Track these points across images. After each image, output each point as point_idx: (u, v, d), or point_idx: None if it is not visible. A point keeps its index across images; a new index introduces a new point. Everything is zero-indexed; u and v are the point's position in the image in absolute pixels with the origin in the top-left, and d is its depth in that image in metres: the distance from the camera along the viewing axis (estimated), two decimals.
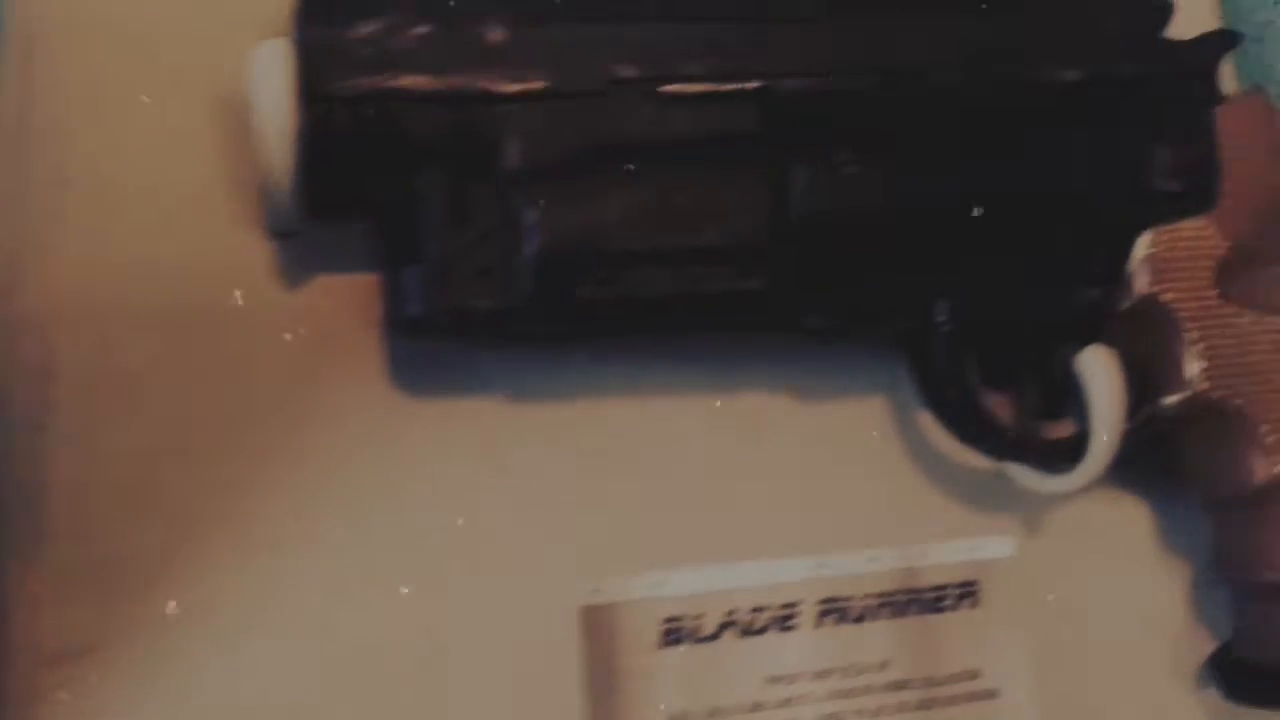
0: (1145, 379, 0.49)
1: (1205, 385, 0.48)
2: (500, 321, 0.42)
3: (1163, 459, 0.52)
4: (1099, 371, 0.47)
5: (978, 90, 0.46)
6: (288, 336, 0.45)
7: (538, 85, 0.43)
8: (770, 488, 0.50)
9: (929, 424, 0.51)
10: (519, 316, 0.42)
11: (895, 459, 0.52)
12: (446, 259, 0.42)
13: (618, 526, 0.48)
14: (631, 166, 0.43)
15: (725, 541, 0.49)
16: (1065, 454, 0.49)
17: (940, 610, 0.51)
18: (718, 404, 0.50)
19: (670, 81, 0.44)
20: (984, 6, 0.46)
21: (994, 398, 0.53)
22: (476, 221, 0.43)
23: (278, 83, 0.41)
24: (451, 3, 0.42)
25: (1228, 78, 0.54)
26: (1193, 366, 0.48)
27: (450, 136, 0.42)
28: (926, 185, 0.45)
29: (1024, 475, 0.51)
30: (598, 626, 0.47)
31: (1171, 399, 0.48)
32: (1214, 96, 0.49)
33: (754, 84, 0.44)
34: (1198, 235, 0.47)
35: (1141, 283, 0.47)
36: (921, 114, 0.45)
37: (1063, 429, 0.52)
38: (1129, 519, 0.54)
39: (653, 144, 0.43)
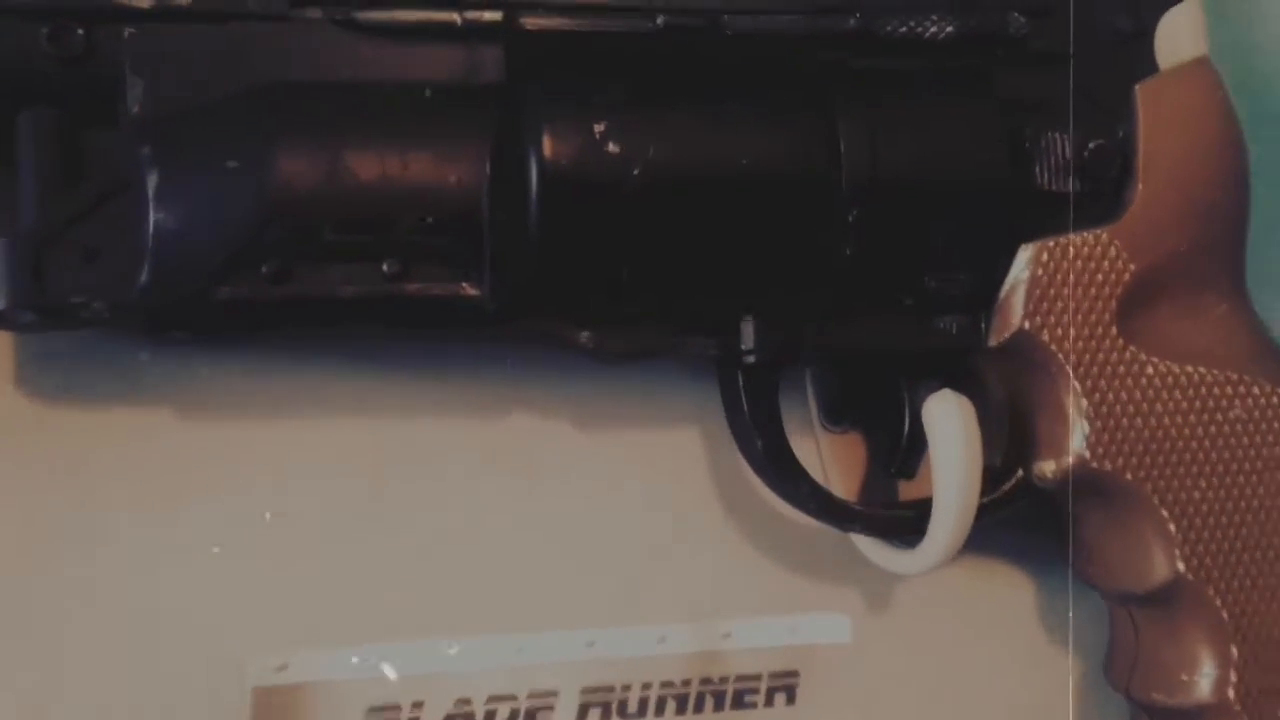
0: (1021, 435, 0.38)
1: (1092, 455, 0.37)
2: (116, 321, 0.32)
3: (1051, 523, 0.41)
4: (946, 426, 0.36)
5: (799, 45, 0.35)
6: None
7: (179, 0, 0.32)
8: (530, 539, 0.40)
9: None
10: (141, 317, 0.32)
11: (702, 509, 0.42)
12: (42, 234, 0.31)
13: (314, 584, 0.38)
14: (309, 120, 0.32)
15: (461, 608, 0.39)
16: (908, 525, 0.38)
17: (744, 707, 0.41)
18: (466, 428, 0.39)
19: (375, 4, 0.33)
20: None
21: (841, 439, 0.42)
22: (90, 183, 0.32)
23: None
24: None
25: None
26: (1077, 429, 0.36)
27: (54, 67, 0.31)
28: (719, 170, 0.34)
29: (866, 543, 0.40)
30: (278, 715, 0.37)
31: (1048, 468, 0.37)
32: (1143, 67, 0.37)
33: (491, 15, 0.33)
34: (1097, 253, 0.36)
35: (1015, 313, 0.36)
36: (718, 73, 0.34)
37: (920, 487, 0.41)
38: (1001, 596, 0.44)
39: (342, 91, 0.32)
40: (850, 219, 0.34)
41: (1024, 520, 0.41)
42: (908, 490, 0.42)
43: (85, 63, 0.31)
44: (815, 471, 0.41)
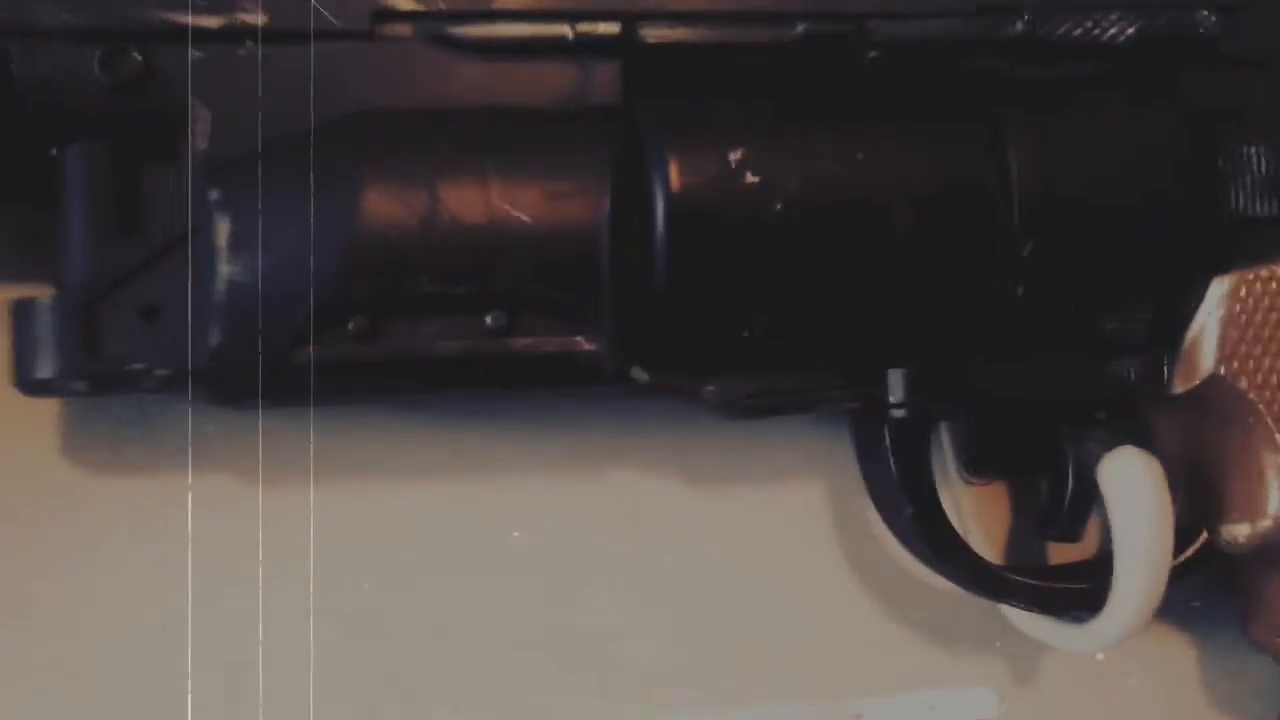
0: (1206, 494, 0.34)
1: None
2: (181, 389, 0.28)
3: (1232, 583, 0.36)
4: (1132, 490, 0.32)
5: (959, 52, 0.30)
6: None
7: (249, 17, 0.28)
8: (635, 606, 0.37)
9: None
10: (211, 385, 0.28)
11: (826, 572, 0.37)
12: (94, 289, 0.27)
13: (400, 655, 0.34)
14: (400, 153, 0.28)
15: (557, 680, 0.35)
16: (1084, 600, 0.34)
17: None
18: (564, 485, 0.36)
19: (473, 18, 0.29)
20: None
21: (983, 491, 0.38)
22: (148, 229, 0.28)
23: None
24: None
25: None
26: (1277, 489, 0.32)
27: (108, 96, 0.27)
28: (873, 200, 0.29)
29: (1021, 615, 0.36)
30: None
31: (1241, 531, 0.33)
32: None
33: (607, 27, 0.29)
34: None
35: (1207, 357, 0.32)
36: (867, 88, 0.30)
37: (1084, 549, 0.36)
38: (1166, 663, 0.39)
39: (437, 119, 0.28)
40: (1023, 253, 0.30)
41: (1192, 578, 0.37)
42: (1061, 549, 0.38)
43: (143, 90, 0.27)
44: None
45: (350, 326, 0.28)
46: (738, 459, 0.37)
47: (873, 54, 0.30)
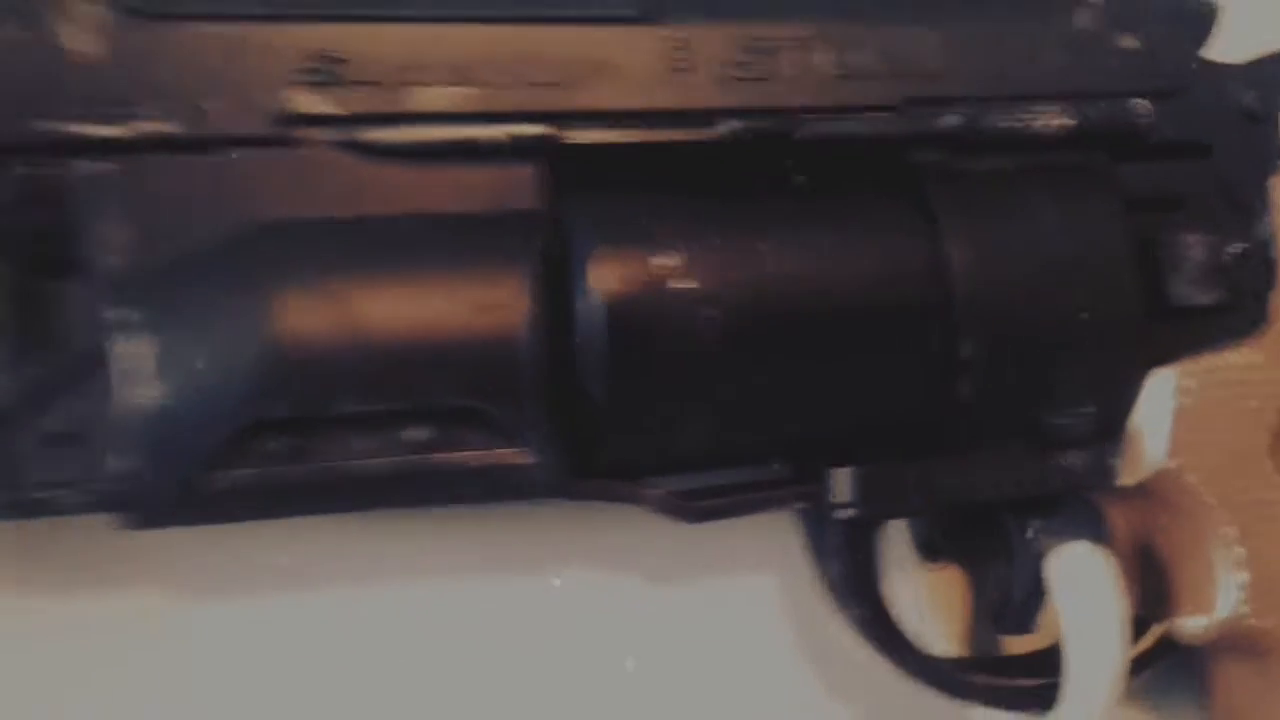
0: (1160, 585, 0.33)
1: (1248, 609, 0.31)
2: (96, 511, 0.27)
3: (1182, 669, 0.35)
4: (1086, 591, 0.31)
5: (890, 148, 0.30)
6: None
7: (150, 126, 0.26)
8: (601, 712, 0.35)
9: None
10: (120, 506, 0.26)
11: (786, 672, 0.36)
12: (8, 417, 0.26)
13: None
14: (314, 265, 0.26)
15: None
16: (1036, 696, 0.33)
17: None
18: (498, 593, 0.34)
19: (387, 122, 0.27)
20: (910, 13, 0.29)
21: (940, 575, 0.37)
22: (56, 349, 0.27)
23: None
24: None
25: None
26: (1230, 580, 0.31)
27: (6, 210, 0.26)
28: (809, 304, 0.28)
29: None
30: None
31: (1196, 625, 0.32)
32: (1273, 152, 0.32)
33: (534, 129, 0.28)
34: (1246, 376, 0.31)
35: (1154, 449, 0.31)
36: (797, 188, 0.29)
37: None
38: None
39: (351, 227, 0.27)
40: (964, 353, 0.29)
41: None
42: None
43: (36, 206, 0.26)
44: (910, 612, 0.36)
45: (271, 446, 0.26)
46: (680, 554, 0.35)
47: (803, 151, 0.29)
